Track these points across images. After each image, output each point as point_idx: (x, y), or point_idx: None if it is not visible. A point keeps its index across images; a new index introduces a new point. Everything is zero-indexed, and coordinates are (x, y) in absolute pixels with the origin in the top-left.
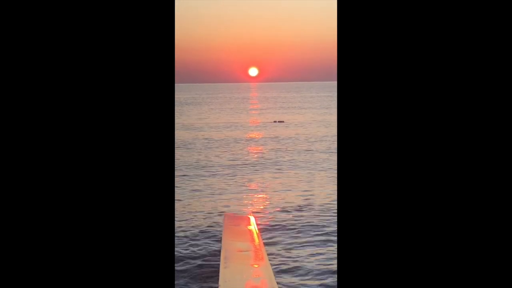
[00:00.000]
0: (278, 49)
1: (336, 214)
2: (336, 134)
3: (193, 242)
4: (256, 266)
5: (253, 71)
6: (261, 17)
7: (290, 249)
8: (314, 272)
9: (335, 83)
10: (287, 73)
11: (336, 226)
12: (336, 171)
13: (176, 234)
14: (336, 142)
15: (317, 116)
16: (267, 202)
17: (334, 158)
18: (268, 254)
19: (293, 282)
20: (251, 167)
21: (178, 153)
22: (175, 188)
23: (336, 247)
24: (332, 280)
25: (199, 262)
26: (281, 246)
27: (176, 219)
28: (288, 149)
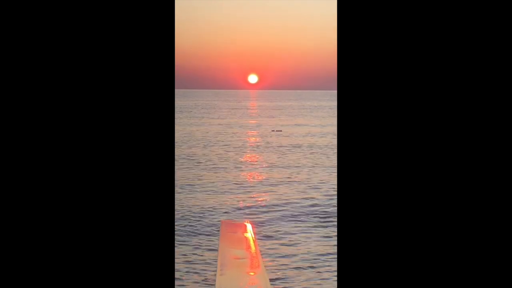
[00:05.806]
0: (278, 56)
1: (335, 219)
2: (334, 142)
3: (189, 249)
4: (252, 273)
5: (252, 78)
6: (262, 24)
7: (286, 256)
8: (311, 281)
9: (335, 92)
10: (287, 81)
11: (336, 229)
12: (335, 177)
13: None
14: (333, 151)
15: (315, 125)
16: (265, 210)
17: (331, 165)
18: (264, 262)
19: None
20: (248, 174)
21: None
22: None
23: (334, 251)
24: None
25: (195, 268)
26: (277, 253)
27: None
28: (285, 157)
